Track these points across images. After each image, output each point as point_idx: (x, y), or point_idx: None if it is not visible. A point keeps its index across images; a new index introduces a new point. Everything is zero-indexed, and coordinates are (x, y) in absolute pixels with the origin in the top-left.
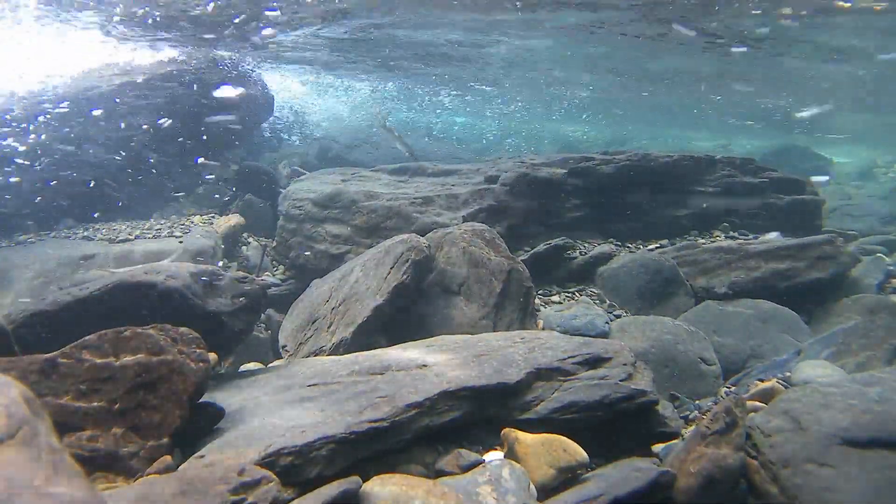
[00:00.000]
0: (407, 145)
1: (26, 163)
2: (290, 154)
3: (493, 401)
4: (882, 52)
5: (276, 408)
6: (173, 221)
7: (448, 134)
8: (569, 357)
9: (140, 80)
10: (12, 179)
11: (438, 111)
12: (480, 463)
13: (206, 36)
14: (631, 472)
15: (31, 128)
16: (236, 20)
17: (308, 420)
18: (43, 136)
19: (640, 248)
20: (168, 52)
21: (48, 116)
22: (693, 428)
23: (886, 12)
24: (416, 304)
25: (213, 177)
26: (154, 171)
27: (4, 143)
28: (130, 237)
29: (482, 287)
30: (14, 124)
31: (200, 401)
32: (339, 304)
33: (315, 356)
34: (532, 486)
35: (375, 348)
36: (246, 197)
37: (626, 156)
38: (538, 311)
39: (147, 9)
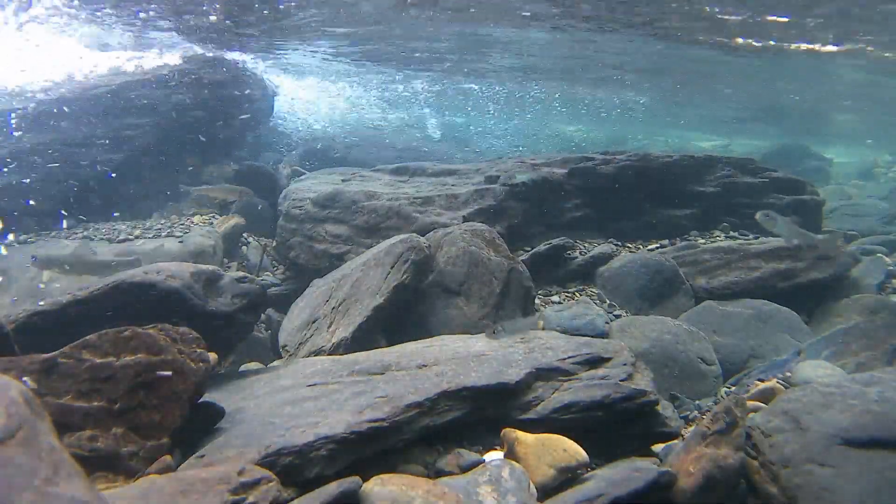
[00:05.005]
0: None
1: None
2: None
3: (493, 401)
4: None
5: (277, 408)
6: (173, 221)
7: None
8: (569, 357)
9: (141, 79)
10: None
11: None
12: (480, 463)
13: (216, 35)
14: (631, 472)
15: (31, 127)
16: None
17: (308, 420)
18: (44, 136)
19: (640, 248)
20: (171, 52)
21: (49, 114)
22: (693, 428)
23: None
24: (417, 304)
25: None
26: (154, 171)
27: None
28: (130, 237)
29: (482, 287)
30: (16, 122)
31: (200, 401)
32: (339, 304)
33: (315, 356)
34: (532, 486)
35: (375, 348)
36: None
37: (626, 156)
38: (538, 310)
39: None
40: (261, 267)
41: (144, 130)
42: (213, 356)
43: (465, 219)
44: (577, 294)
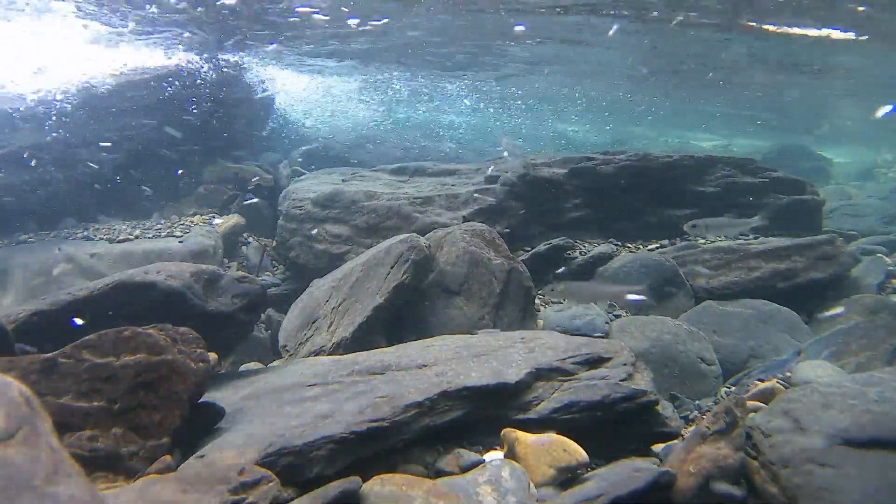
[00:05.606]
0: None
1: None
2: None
3: (493, 401)
4: None
5: (277, 407)
6: (173, 221)
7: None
8: (569, 357)
9: (140, 79)
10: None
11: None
12: (480, 463)
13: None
14: (631, 472)
15: (30, 126)
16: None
17: (308, 420)
18: (43, 136)
19: (640, 248)
20: (171, 52)
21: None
22: (693, 428)
23: None
24: (417, 304)
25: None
26: (154, 171)
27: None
28: (130, 237)
29: (482, 287)
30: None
31: (200, 401)
32: (339, 304)
33: (315, 356)
34: (532, 486)
35: (375, 348)
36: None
37: (626, 156)
38: (538, 310)
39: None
40: (261, 267)
41: (144, 130)
42: (213, 356)
43: (466, 219)
44: None
